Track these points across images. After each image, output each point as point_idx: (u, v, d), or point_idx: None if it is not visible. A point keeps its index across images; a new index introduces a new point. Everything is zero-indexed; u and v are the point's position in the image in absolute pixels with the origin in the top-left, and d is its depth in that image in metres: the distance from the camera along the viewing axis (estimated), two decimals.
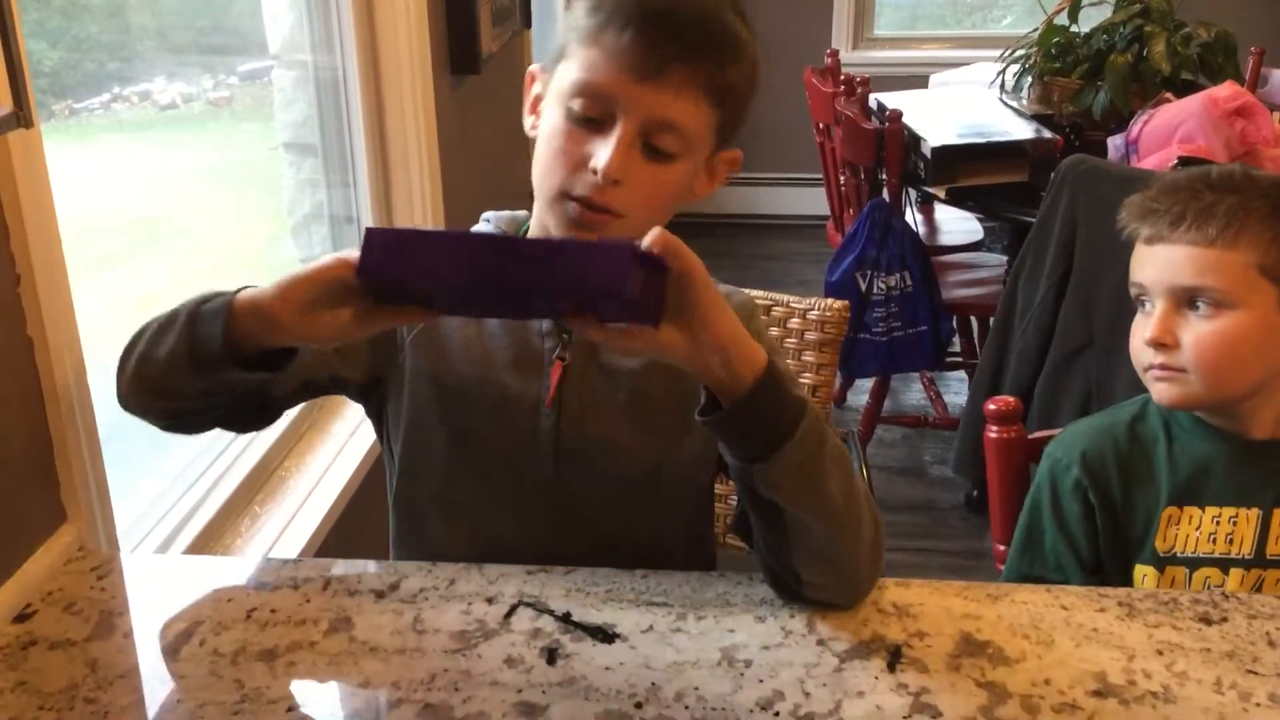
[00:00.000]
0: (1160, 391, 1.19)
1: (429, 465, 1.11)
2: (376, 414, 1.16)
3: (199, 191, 1.93)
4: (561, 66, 1.01)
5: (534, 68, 1.07)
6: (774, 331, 1.49)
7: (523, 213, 1.14)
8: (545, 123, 1.02)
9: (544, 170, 1.02)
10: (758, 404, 0.89)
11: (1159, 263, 1.17)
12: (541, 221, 1.05)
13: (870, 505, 1.00)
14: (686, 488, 1.15)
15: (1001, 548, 1.38)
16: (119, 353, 1.02)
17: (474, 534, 1.12)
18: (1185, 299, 1.16)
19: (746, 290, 1.47)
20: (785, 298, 1.49)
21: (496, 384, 1.09)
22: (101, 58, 1.68)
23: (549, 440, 1.09)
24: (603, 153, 0.97)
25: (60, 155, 1.56)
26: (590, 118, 0.98)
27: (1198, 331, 1.15)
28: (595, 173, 0.97)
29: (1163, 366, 1.17)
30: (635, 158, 0.98)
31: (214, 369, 0.94)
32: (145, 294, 1.72)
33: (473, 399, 1.10)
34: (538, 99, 1.06)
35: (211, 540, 1.46)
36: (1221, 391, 1.17)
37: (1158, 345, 1.16)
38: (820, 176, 3.36)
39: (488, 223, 1.15)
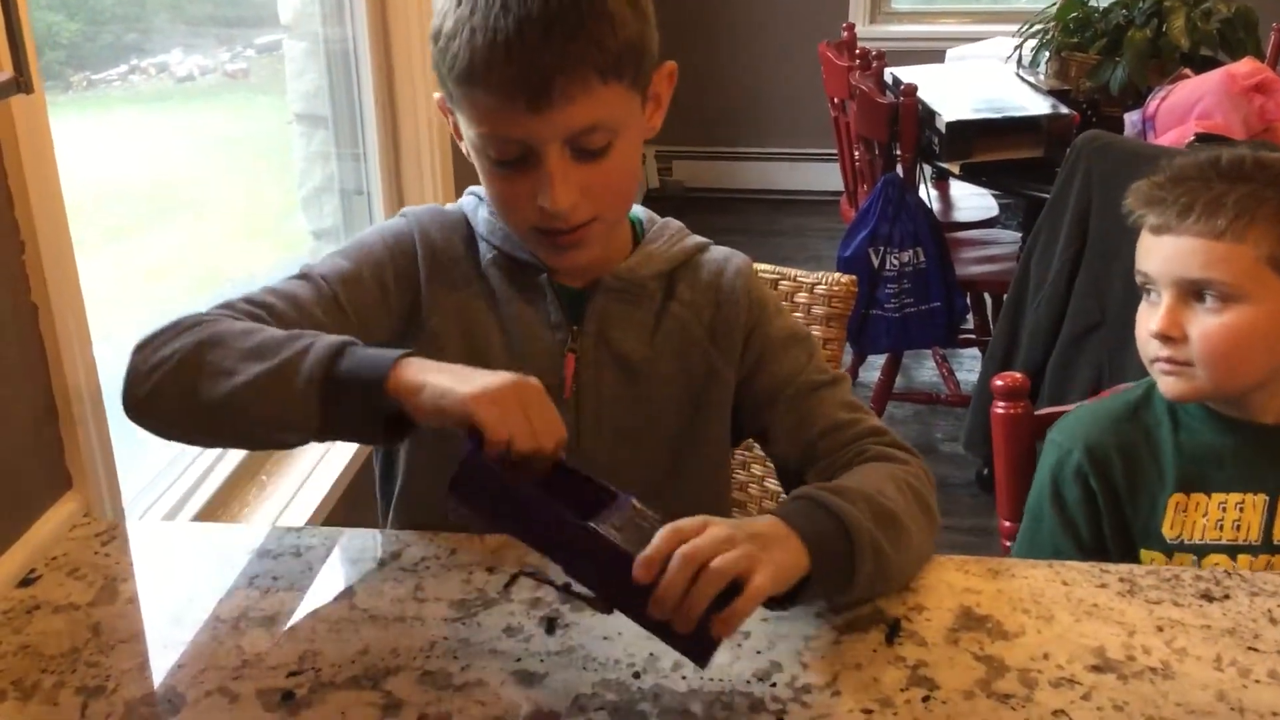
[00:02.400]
0: (1166, 385, 1.17)
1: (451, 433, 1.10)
2: None
3: (214, 163, 1.93)
4: (459, 114, 0.99)
5: (439, 98, 1.03)
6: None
7: None
8: (477, 166, 1.02)
9: (500, 213, 1.06)
10: (818, 582, 0.88)
11: (1166, 254, 1.15)
12: (527, 245, 1.06)
13: (928, 516, 1.01)
14: (704, 466, 1.15)
15: (1007, 524, 1.37)
16: (141, 361, 0.93)
17: None
18: (1192, 291, 1.13)
19: (755, 265, 1.47)
20: (793, 272, 1.48)
21: (520, 370, 1.08)
22: (119, 30, 1.69)
23: (570, 432, 1.09)
24: (544, 192, 0.96)
25: (78, 126, 1.57)
26: (512, 160, 0.97)
27: (1204, 325, 1.13)
28: (550, 211, 0.97)
29: (1169, 360, 1.15)
30: (575, 170, 0.96)
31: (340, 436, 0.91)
32: (157, 264, 1.73)
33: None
34: (458, 127, 1.03)
35: (219, 508, 1.47)
36: (1228, 385, 1.16)
37: (1164, 338, 1.15)
38: (834, 152, 3.33)
39: (474, 195, 1.14)
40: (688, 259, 1.13)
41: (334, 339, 0.91)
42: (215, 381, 0.90)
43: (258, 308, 1.00)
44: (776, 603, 0.88)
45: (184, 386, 0.91)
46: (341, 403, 0.88)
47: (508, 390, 0.85)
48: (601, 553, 0.82)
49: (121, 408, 0.96)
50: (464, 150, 1.05)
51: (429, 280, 1.08)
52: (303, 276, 1.05)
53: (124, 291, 1.64)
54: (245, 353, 0.90)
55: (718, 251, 1.15)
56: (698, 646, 0.82)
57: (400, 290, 1.07)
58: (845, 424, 1.09)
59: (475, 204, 1.13)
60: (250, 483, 1.54)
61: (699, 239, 1.15)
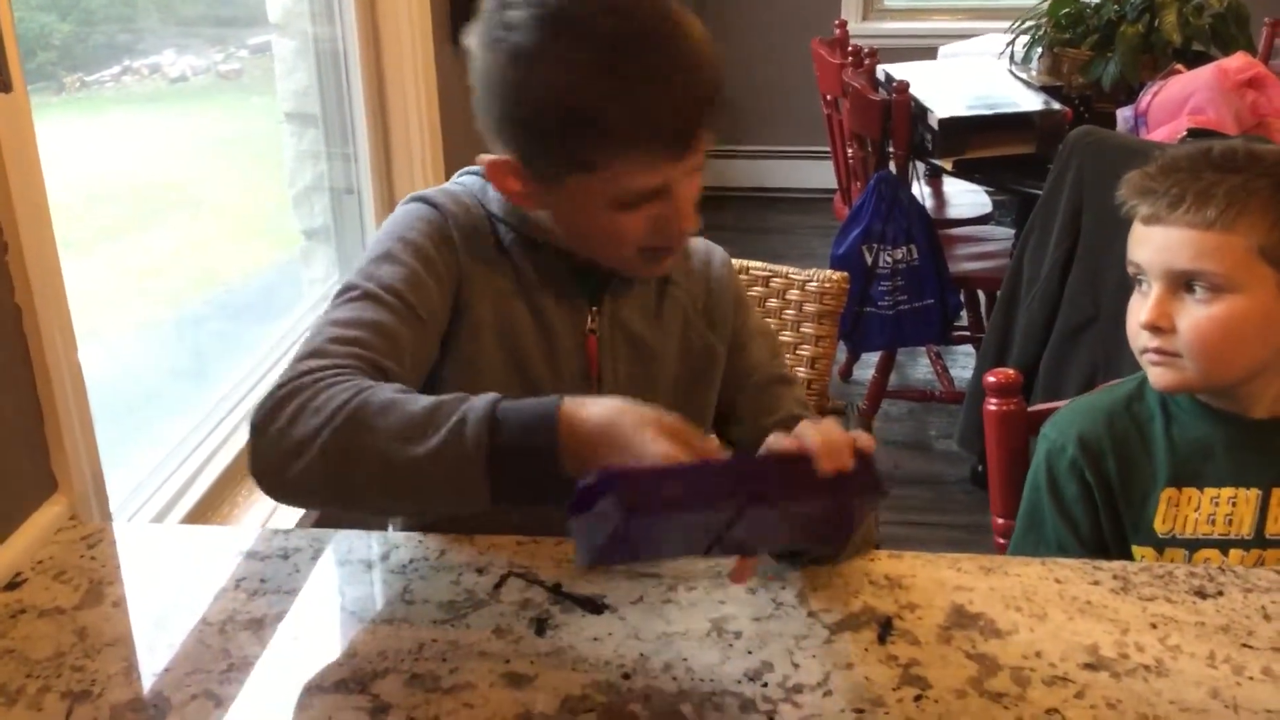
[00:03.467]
0: (1156, 376, 1.17)
1: None
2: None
3: (207, 163, 1.93)
4: (578, 179, 0.97)
5: (500, 161, 1.01)
6: (773, 303, 1.48)
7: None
8: (578, 216, 1.02)
9: (601, 249, 1.05)
10: None
11: (1156, 244, 1.14)
12: (620, 268, 1.08)
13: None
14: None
15: (1000, 521, 1.37)
16: (271, 444, 0.87)
17: None
18: (1182, 282, 1.13)
19: (747, 261, 1.47)
20: (785, 269, 1.48)
21: (547, 353, 1.09)
22: (111, 30, 1.68)
23: None
24: (674, 218, 1.00)
25: (72, 128, 1.56)
26: (640, 202, 0.99)
27: (1194, 316, 1.12)
28: (679, 235, 1.02)
29: (1158, 350, 1.15)
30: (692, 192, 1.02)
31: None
32: (150, 264, 1.73)
33: (531, 364, 1.08)
34: (516, 183, 1.02)
35: (209, 510, 1.46)
36: (1218, 377, 1.15)
37: (1153, 329, 1.14)
38: (827, 149, 3.33)
39: (474, 175, 1.13)
40: None
41: (483, 407, 0.85)
42: (371, 469, 0.86)
43: (351, 346, 0.95)
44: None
45: (338, 477, 0.87)
46: (512, 474, 0.84)
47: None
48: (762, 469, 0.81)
49: (260, 489, 0.91)
50: (530, 199, 1.03)
51: (468, 264, 1.06)
52: (365, 296, 0.99)
53: (117, 291, 1.63)
54: (394, 434, 0.85)
55: (697, 241, 1.21)
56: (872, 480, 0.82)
57: (451, 279, 1.05)
58: (799, 419, 1.10)
59: (482, 185, 1.11)
60: (240, 484, 1.53)
61: None
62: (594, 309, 1.10)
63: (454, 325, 1.06)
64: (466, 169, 1.15)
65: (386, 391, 0.88)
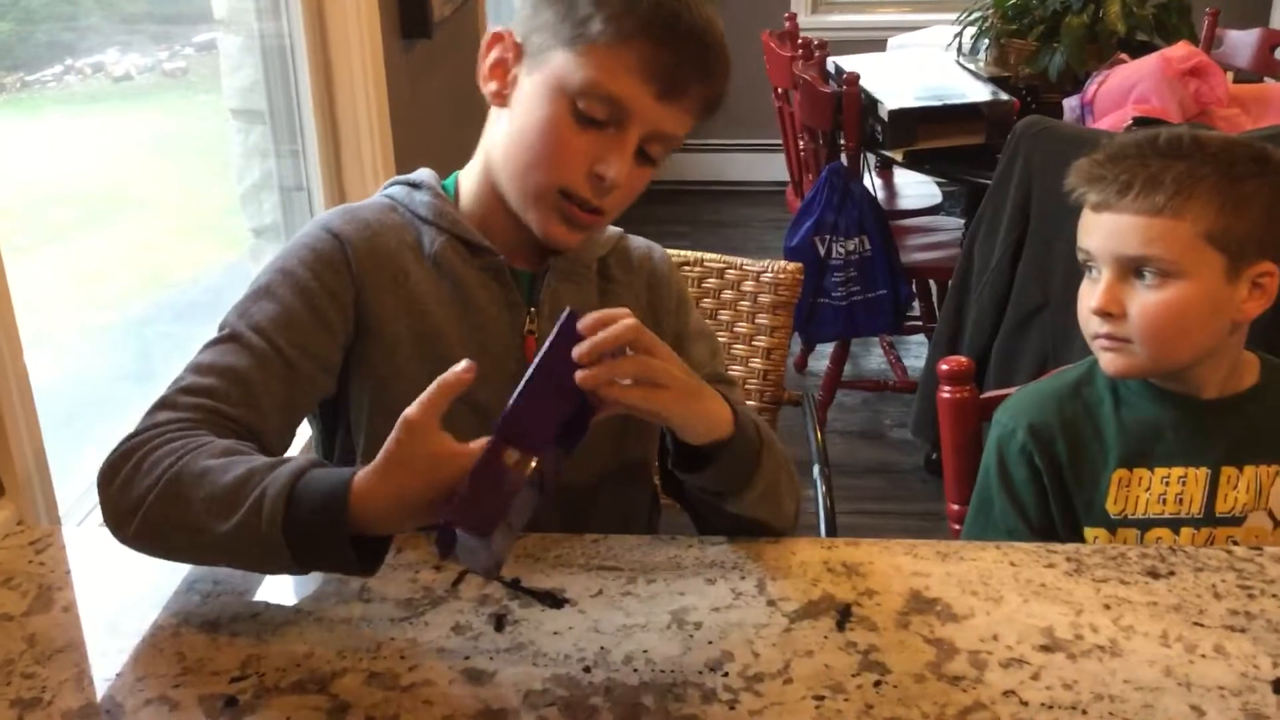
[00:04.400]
0: (1107, 361, 1.18)
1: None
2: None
3: (154, 163, 1.90)
4: (560, 54, 0.99)
5: (505, 31, 1.04)
6: (728, 294, 1.48)
7: (423, 173, 1.13)
8: (535, 111, 1.01)
9: (534, 164, 1.02)
10: (731, 454, 0.98)
11: (1105, 231, 1.15)
12: (511, 205, 1.06)
13: (794, 503, 1.10)
14: (644, 436, 1.15)
15: (956, 507, 1.38)
16: (110, 502, 0.92)
17: None
18: (1132, 268, 1.14)
19: (701, 254, 1.47)
20: (740, 260, 1.48)
21: (478, 355, 1.07)
22: (53, 29, 1.65)
23: None
24: (613, 163, 0.99)
25: (11, 128, 1.53)
26: (596, 119, 0.99)
27: (1143, 302, 1.14)
28: (601, 179, 1.00)
29: (1109, 336, 1.16)
30: (633, 159, 1.01)
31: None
32: (96, 265, 1.70)
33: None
34: (503, 65, 1.04)
35: None
36: (1168, 361, 1.17)
37: (1104, 315, 1.16)
38: (779, 142, 3.34)
39: (403, 184, 1.12)
40: (615, 245, 1.18)
41: (280, 482, 0.86)
42: (186, 540, 0.90)
43: (202, 397, 0.97)
44: (686, 462, 0.99)
45: (162, 541, 0.92)
46: (313, 547, 0.86)
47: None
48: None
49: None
50: (489, 89, 1.05)
51: (364, 284, 1.05)
52: (232, 338, 1.01)
53: (62, 294, 1.60)
54: (206, 508, 0.88)
55: (637, 240, 1.21)
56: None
57: (337, 307, 1.04)
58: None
59: (408, 191, 1.11)
60: None
61: (616, 228, 1.19)
62: (531, 309, 1.09)
63: (363, 348, 1.05)
64: (394, 179, 1.14)
65: (203, 459, 0.90)
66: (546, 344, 0.86)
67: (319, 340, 1.03)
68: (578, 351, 0.86)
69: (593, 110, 0.98)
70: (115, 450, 0.94)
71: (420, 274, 1.07)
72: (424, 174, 1.13)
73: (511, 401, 0.84)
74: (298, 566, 0.87)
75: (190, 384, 0.98)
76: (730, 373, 1.24)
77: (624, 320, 0.88)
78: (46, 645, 0.91)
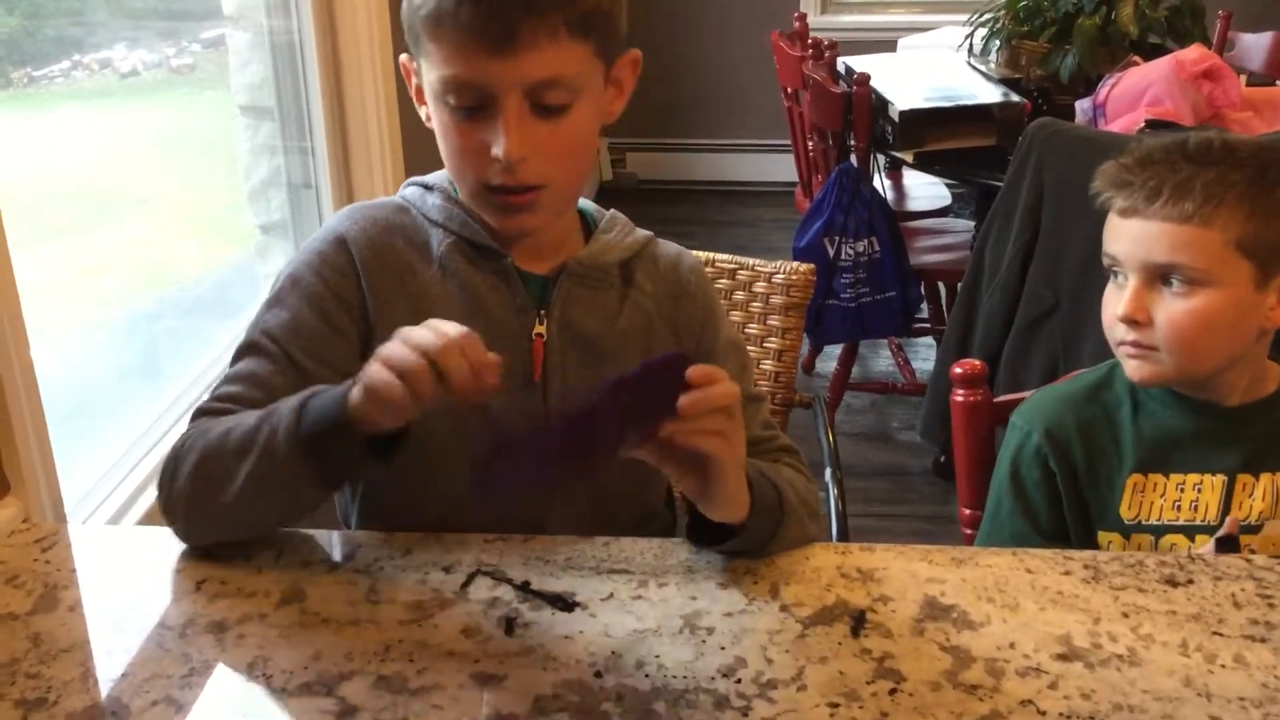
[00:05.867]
0: (1133, 369, 1.17)
1: (417, 424, 1.08)
2: None
3: (160, 159, 1.89)
4: (423, 62, 0.99)
5: (404, 59, 1.04)
6: (739, 295, 1.47)
7: (438, 174, 1.12)
8: (435, 124, 1.02)
9: (453, 169, 1.04)
10: (750, 533, 0.98)
11: (1133, 237, 1.14)
12: (475, 208, 1.06)
13: (816, 525, 1.08)
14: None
15: (968, 511, 1.37)
16: (168, 500, 0.99)
17: (458, 489, 1.09)
18: (1159, 275, 1.13)
19: (713, 254, 1.46)
20: (751, 261, 1.47)
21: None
22: (60, 24, 1.64)
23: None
24: (500, 140, 0.96)
25: (19, 123, 1.52)
26: (470, 107, 0.97)
27: (1171, 310, 1.12)
28: (500, 160, 0.97)
29: (1135, 344, 1.15)
30: (531, 125, 0.97)
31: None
32: (101, 260, 1.69)
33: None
34: (419, 89, 1.04)
35: None
36: (1194, 369, 1.15)
37: (1130, 322, 1.14)
38: (788, 142, 3.33)
39: (417, 185, 1.11)
40: (642, 249, 1.14)
41: (291, 404, 0.92)
42: (225, 490, 0.94)
43: (226, 403, 1.01)
44: (702, 535, 0.99)
45: (209, 507, 0.97)
46: (329, 455, 0.91)
47: (390, 357, 0.86)
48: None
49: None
50: (423, 116, 1.04)
51: (373, 284, 1.05)
52: (250, 347, 1.04)
53: (68, 289, 1.60)
54: (233, 453, 0.94)
55: (668, 245, 1.18)
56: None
57: (346, 309, 1.05)
58: (765, 439, 1.13)
59: (421, 193, 1.11)
60: None
61: (646, 231, 1.17)
62: (541, 312, 1.07)
63: (372, 349, 1.05)
64: (411, 180, 1.13)
65: (227, 423, 0.96)
66: (640, 368, 0.86)
67: (331, 345, 1.04)
68: (684, 401, 0.86)
69: (461, 101, 0.97)
70: (166, 459, 0.99)
71: (428, 276, 1.06)
72: (438, 175, 1.11)
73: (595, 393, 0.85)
74: (322, 482, 0.92)
75: (219, 393, 1.03)
76: (759, 388, 1.21)
77: (727, 385, 0.89)
78: (52, 645, 0.90)
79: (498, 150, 0.96)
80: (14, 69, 1.51)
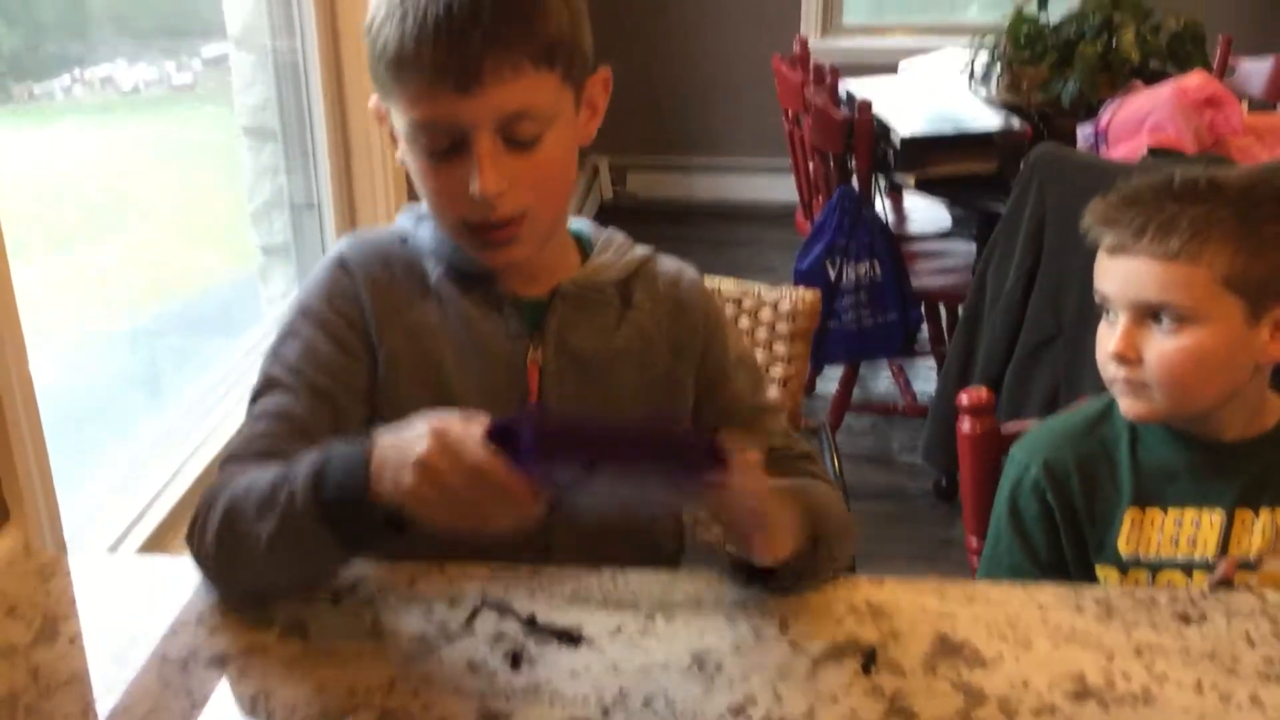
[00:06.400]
0: (1126, 406, 1.17)
1: None
2: None
3: (160, 174, 1.89)
4: (391, 106, 0.99)
5: (374, 102, 1.03)
6: (744, 322, 1.46)
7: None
8: (409, 167, 1.01)
9: (433, 209, 1.03)
10: (793, 570, 0.97)
11: (1121, 275, 1.14)
12: (459, 245, 1.05)
13: (843, 512, 1.08)
14: None
15: (975, 540, 1.36)
16: (199, 555, 0.97)
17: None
18: (1149, 312, 1.13)
19: (718, 280, 1.45)
20: (756, 287, 1.46)
21: (479, 386, 1.06)
22: (62, 40, 1.64)
23: None
24: (476, 178, 0.95)
25: (19, 137, 1.52)
26: (443, 148, 0.96)
27: (1161, 348, 1.12)
28: (477, 197, 0.96)
29: (1127, 381, 1.15)
30: (505, 159, 0.96)
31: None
32: (100, 278, 1.68)
33: (459, 398, 1.05)
34: (392, 132, 1.03)
35: (169, 536, 1.41)
36: (1188, 406, 1.15)
37: (1121, 359, 1.14)
38: (789, 163, 3.33)
39: (411, 214, 1.11)
40: (640, 267, 1.13)
41: (306, 468, 0.89)
42: (250, 552, 0.92)
43: (254, 442, 1.00)
44: (753, 576, 0.98)
45: (235, 569, 0.96)
46: (349, 523, 0.88)
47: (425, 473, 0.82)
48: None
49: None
50: (398, 158, 1.03)
51: (375, 311, 1.05)
52: (269, 383, 1.03)
53: (68, 303, 1.59)
54: (254, 514, 0.91)
55: (668, 261, 1.16)
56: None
57: (355, 334, 1.05)
58: (783, 449, 1.13)
59: (415, 222, 1.10)
60: None
61: (646, 248, 1.15)
62: (535, 334, 1.07)
63: (378, 374, 1.05)
64: (407, 206, 1.13)
65: (250, 478, 0.93)
66: (682, 435, 0.86)
67: (347, 369, 1.03)
68: (719, 497, 0.87)
69: (434, 143, 0.96)
70: (194, 515, 0.98)
71: (425, 305, 1.06)
72: (414, 219, 1.11)
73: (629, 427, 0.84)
74: (343, 546, 0.90)
75: (245, 435, 1.01)
76: (771, 398, 1.21)
77: (763, 482, 0.90)
78: (51, 678, 0.89)
79: (474, 188, 0.95)
80: (15, 84, 1.51)
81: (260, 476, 0.93)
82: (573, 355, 1.07)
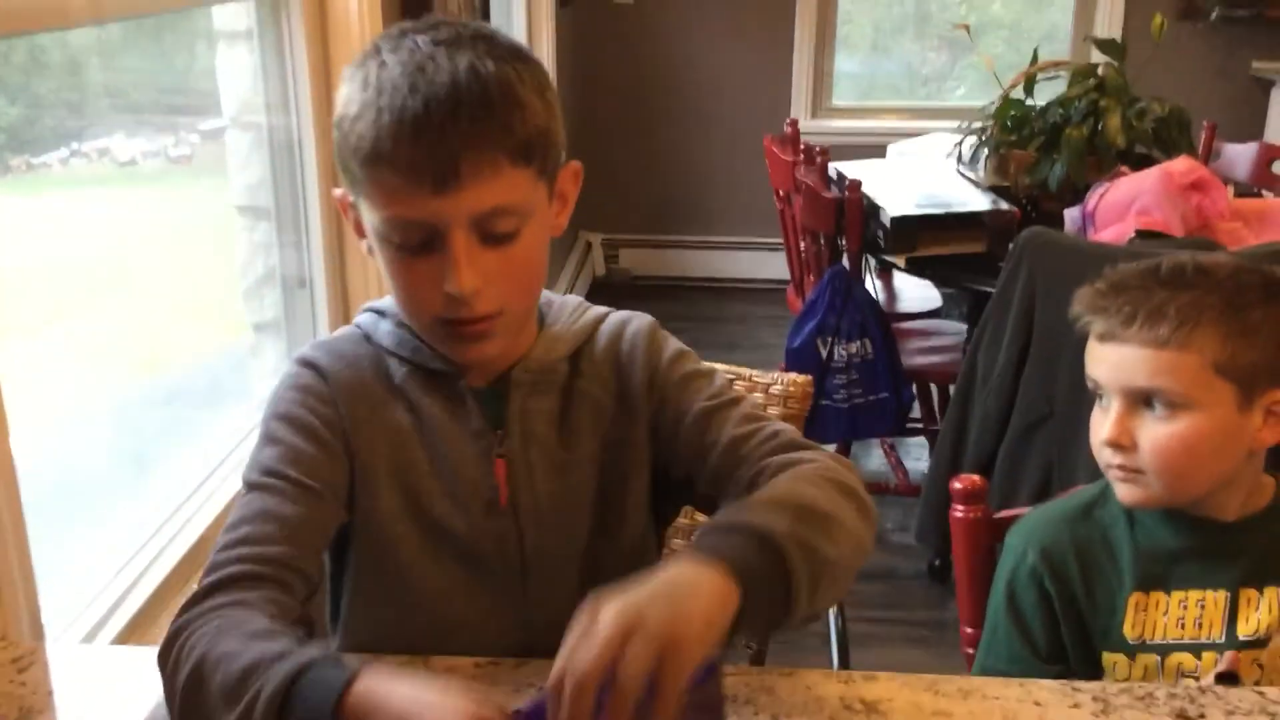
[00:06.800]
0: (1123, 492, 1.17)
1: (392, 557, 1.05)
2: None
3: (156, 247, 1.89)
4: (361, 200, 0.97)
5: (339, 193, 1.02)
6: None
7: (390, 299, 1.07)
8: (380, 261, 0.99)
9: (404, 306, 1.01)
10: (755, 606, 0.84)
11: (1112, 362, 1.14)
12: (432, 342, 1.03)
13: (854, 500, 1.00)
14: (629, 535, 1.10)
15: (969, 630, 1.34)
16: (165, 688, 0.89)
17: (437, 618, 1.06)
18: (1141, 398, 1.13)
19: (712, 365, 1.45)
20: (748, 371, 1.46)
21: (451, 490, 1.04)
22: (61, 114, 1.65)
23: (513, 541, 1.06)
24: (452, 277, 0.94)
25: (14, 209, 1.52)
26: (416, 244, 0.95)
27: (1154, 434, 1.12)
28: (453, 295, 0.94)
29: (1121, 467, 1.15)
30: (481, 256, 0.94)
31: None
32: (93, 348, 1.67)
33: (432, 503, 1.04)
34: (359, 224, 1.01)
35: (147, 624, 1.38)
36: (1183, 492, 1.15)
37: (1115, 446, 1.14)
38: (780, 241, 3.36)
39: (371, 312, 1.09)
40: (593, 332, 1.10)
41: (278, 677, 0.81)
42: None
43: (239, 548, 0.95)
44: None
45: None
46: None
47: None
48: None
49: None
50: (364, 249, 1.02)
51: (350, 413, 1.03)
52: (251, 488, 1.00)
53: (56, 377, 1.58)
54: (219, 693, 0.84)
55: (615, 317, 1.13)
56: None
57: (335, 436, 1.03)
58: (742, 437, 1.04)
59: (375, 320, 1.08)
60: (177, 598, 1.46)
61: (599, 310, 1.13)
62: (499, 432, 1.05)
63: (352, 479, 1.03)
64: (366, 305, 1.11)
65: (229, 641, 0.86)
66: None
67: (327, 468, 1.01)
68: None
69: (407, 240, 0.94)
70: (168, 632, 0.91)
71: (392, 405, 1.05)
72: (391, 300, 1.07)
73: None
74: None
75: (228, 540, 0.96)
76: (736, 389, 1.12)
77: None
78: None
79: (450, 286, 0.94)
80: (13, 156, 1.52)
81: (238, 647, 0.85)
82: (539, 444, 1.06)
